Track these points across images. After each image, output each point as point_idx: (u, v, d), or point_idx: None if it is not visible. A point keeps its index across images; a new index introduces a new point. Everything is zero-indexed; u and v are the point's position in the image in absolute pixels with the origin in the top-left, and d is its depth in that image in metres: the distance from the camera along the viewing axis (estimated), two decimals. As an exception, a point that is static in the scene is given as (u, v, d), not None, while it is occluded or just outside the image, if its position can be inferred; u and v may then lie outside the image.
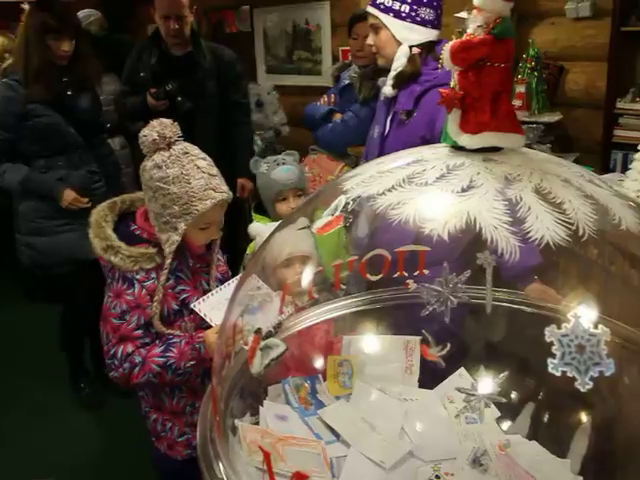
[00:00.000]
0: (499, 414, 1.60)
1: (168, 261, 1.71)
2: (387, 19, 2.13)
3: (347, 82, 3.33)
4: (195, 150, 1.72)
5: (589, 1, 3.22)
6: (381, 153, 2.19)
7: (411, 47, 2.11)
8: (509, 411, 1.59)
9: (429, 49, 2.13)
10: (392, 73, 2.13)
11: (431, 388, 1.66)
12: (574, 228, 0.86)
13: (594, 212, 0.90)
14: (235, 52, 3.63)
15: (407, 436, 1.51)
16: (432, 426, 1.56)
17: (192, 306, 1.71)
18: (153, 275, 1.74)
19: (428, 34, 2.11)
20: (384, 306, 1.68)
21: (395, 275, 1.64)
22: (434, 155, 1.03)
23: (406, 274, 1.64)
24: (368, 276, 1.60)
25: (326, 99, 3.43)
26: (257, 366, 1.11)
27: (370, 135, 2.32)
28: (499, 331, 1.62)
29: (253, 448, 1.29)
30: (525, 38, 3.42)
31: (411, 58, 2.10)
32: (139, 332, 1.73)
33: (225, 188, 1.72)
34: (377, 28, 2.18)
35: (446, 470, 1.43)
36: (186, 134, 1.77)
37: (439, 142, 1.97)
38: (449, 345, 1.31)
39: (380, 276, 1.61)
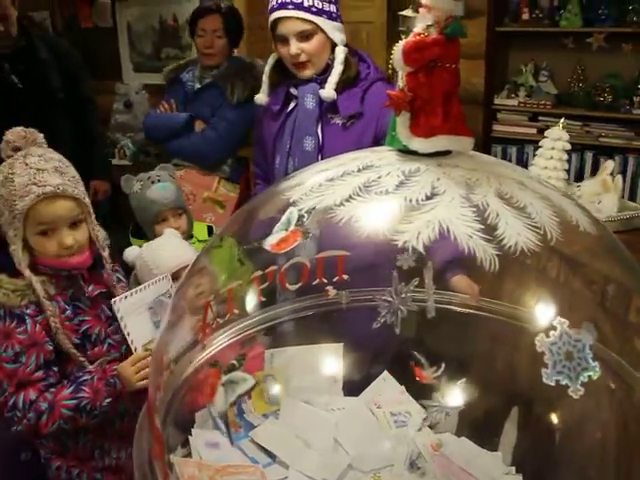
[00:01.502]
0: (425, 415, 1.61)
1: (26, 273, 1.52)
2: (323, 22, 1.98)
3: (198, 85, 2.96)
4: (38, 149, 1.56)
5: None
6: None
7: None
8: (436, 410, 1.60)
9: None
10: (334, 78, 1.99)
11: (356, 395, 1.63)
12: (542, 232, 0.85)
13: (555, 215, 0.90)
14: (95, 49, 3.35)
15: (342, 448, 1.47)
16: (364, 434, 1.53)
17: (112, 302, 1.54)
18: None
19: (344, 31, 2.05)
20: (306, 315, 1.62)
21: (314, 282, 1.60)
22: (383, 160, 0.98)
23: (325, 280, 1.61)
24: (287, 285, 1.54)
25: (166, 106, 3.02)
26: (221, 404, 1.01)
27: (289, 150, 2.11)
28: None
29: (193, 485, 1.18)
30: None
31: (347, 59, 2.01)
32: (40, 373, 1.51)
33: (56, 182, 1.50)
34: (309, 34, 1.99)
35: (386, 478, 1.41)
36: None
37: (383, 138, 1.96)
38: (443, 365, 1.26)
39: (299, 285, 1.57)
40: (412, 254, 1.37)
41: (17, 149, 1.54)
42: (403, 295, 1.10)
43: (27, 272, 1.52)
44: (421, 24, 0.93)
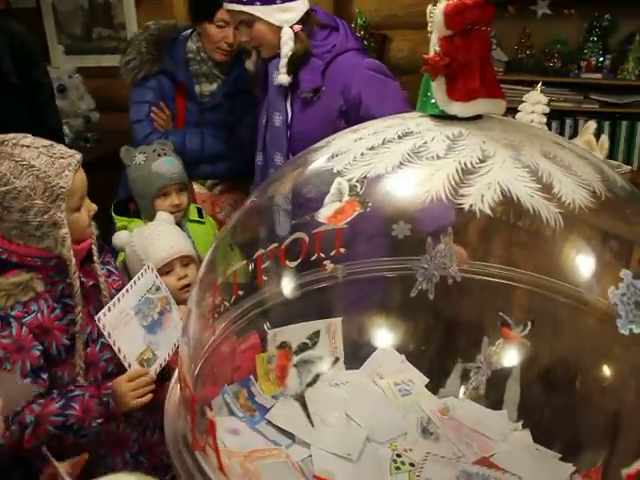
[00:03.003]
0: (427, 380, 1.63)
1: (73, 261, 1.41)
2: (257, 10, 1.94)
3: (209, 87, 2.36)
4: (9, 135, 1.41)
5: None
6: (289, 139, 2.04)
7: (291, 27, 1.96)
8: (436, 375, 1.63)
9: (307, 20, 2.00)
10: (283, 60, 1.96)
11: (357, 367, 1.64)
12: (592, 189, 0.87)
13: (596, 172, 0.92)
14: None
15: (354, 422, 1.47)
16: (373, 406, 1.53)
17: (96, 318, 1.42)
18: (34, 307, 1.40)
19: (302, 6, 1.98)
20: (306, 291, 1.60)
21: (313, 258, 1.59)
22: (421, 126, 0.97)
23: (323, 255, 1.60)
24: (287, 262, 1.52)
25: (162, 115, 2.34)
26: (295, 386, 0.96)
27: (266, 125, 2.10)
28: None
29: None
30: (352, 7, 3.47)
31: (297, 38, 1.96)
32: (27, 381, 1.40)
33: (70, 150, 1.44)
34: (248, 23, 1.98)
35: (403, 447, 1.42)
36: None
37: (356, 110, 1.94)
38: (530, 324, 1.26)
39: (299, 261, 1.54)
40: (405, 224, 1.39)
41: None
42: (436, 260, 1.10)
43: (71, 253, 1.41)
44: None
